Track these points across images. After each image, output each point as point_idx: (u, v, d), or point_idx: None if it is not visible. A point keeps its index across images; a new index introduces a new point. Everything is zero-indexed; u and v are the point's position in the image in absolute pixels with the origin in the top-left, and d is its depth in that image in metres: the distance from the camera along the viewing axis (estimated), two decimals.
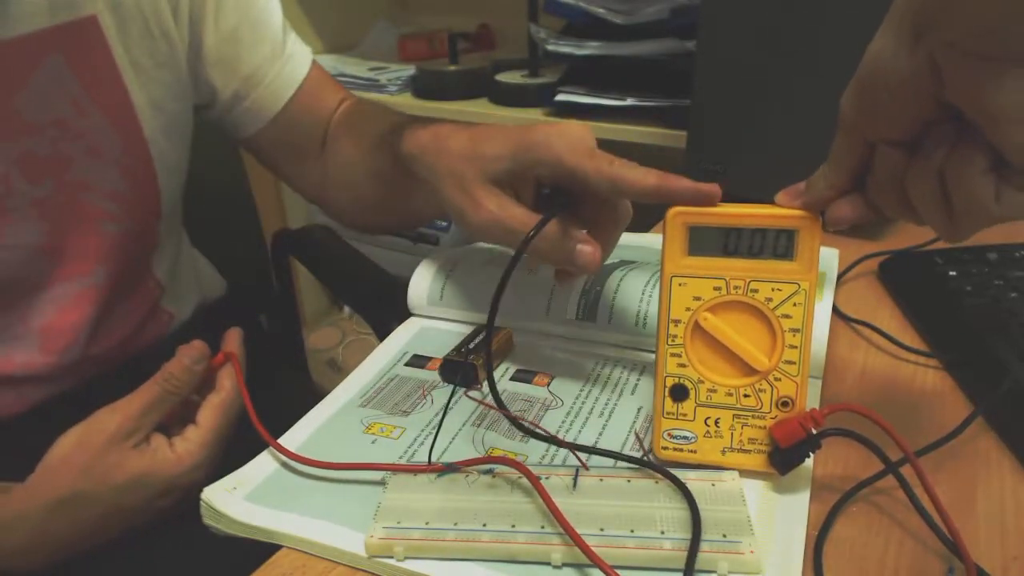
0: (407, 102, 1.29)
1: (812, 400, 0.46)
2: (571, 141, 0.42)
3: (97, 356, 0.61)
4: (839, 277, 0.61)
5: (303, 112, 0.67)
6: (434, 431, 0.44)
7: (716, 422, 0.39)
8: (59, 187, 0.54)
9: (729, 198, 0.38)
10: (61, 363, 0.59)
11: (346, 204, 0.68)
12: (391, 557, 0.35)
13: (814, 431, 0.37)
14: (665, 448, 0.40)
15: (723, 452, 0.40)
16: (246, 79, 0.64)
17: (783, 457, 0.38)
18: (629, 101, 1.04)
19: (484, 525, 0.36)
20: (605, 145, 0.43)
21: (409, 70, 1.33)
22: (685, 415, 0.40)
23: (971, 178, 0.31)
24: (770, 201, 0.38)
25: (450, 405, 0.47)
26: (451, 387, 0.49)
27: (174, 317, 0.69)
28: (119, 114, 0.56)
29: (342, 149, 0.66)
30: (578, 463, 0.40)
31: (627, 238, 0.70)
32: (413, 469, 0.40)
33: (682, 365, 0.39)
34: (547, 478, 0.39)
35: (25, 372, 0.57)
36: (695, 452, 0.40)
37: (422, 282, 0.58)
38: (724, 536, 0.35)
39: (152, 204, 0.61)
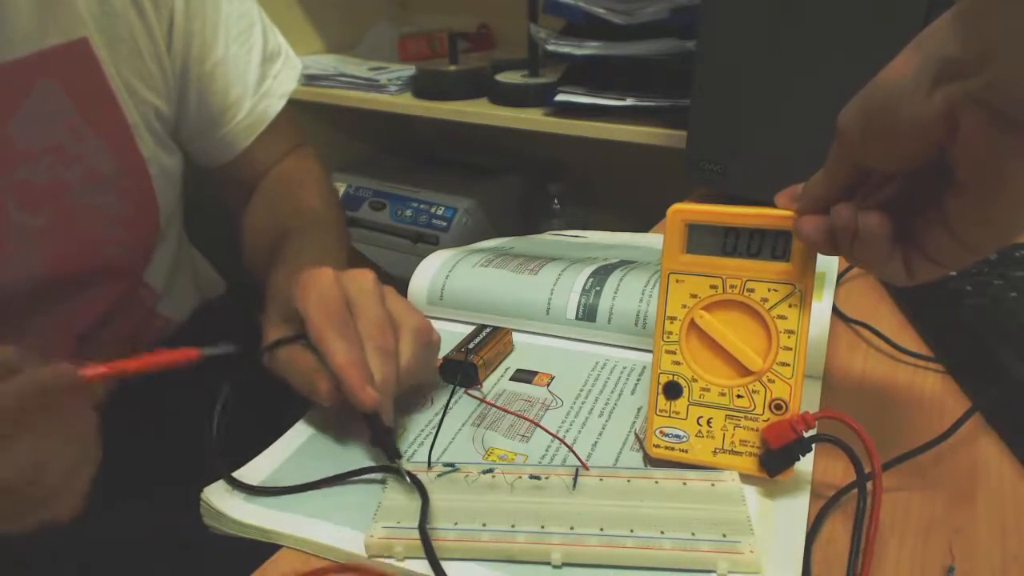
0: (407, 102, 1.29)
1: (811, 398, 0.46)
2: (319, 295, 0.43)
3: None
4: (839, 277, 0.61)
5: (258, 155, 0.68)
6: (434, 431, 0.44)
7: (708, 422, 0.39)
8: (58, 216, 0.53)
9: (729, 199, 0.38)
10: None
11: (245, 255, 0.68)
12: (391, 557, 0.35)
13: (805, 434, 0.37)
14: (657, 446, 0.40)
15: (714, 453, 0.39)
16: (220, 114, 0.64)
17: (773, 458, 0.37)
18: (629, 101, 1.04)
19: (484, 525, 0.36)
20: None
21: (409, 70, 1.33)
22: (678, 413, 0.40)
23: (882, 264, 0.33)
24: (769, 201, 0.38)
25: (450, 405, 0.47)
26: (451, 387, 0.49)
27: (171, 321, 0.69)
28: (116, 136, 0.56)
29: (254, 216, 0.68)
30: (578, 463, 0.40)
31: (627, 238, 0.70)
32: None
33: (676, 362, 0.40)
34: (547, 478, 0.39)
35: None
36: (686, 452, 0.40)
37: (422, 282, 0.58)
38: (724, 536, 0.35)
39: (152, 220, 0.61)
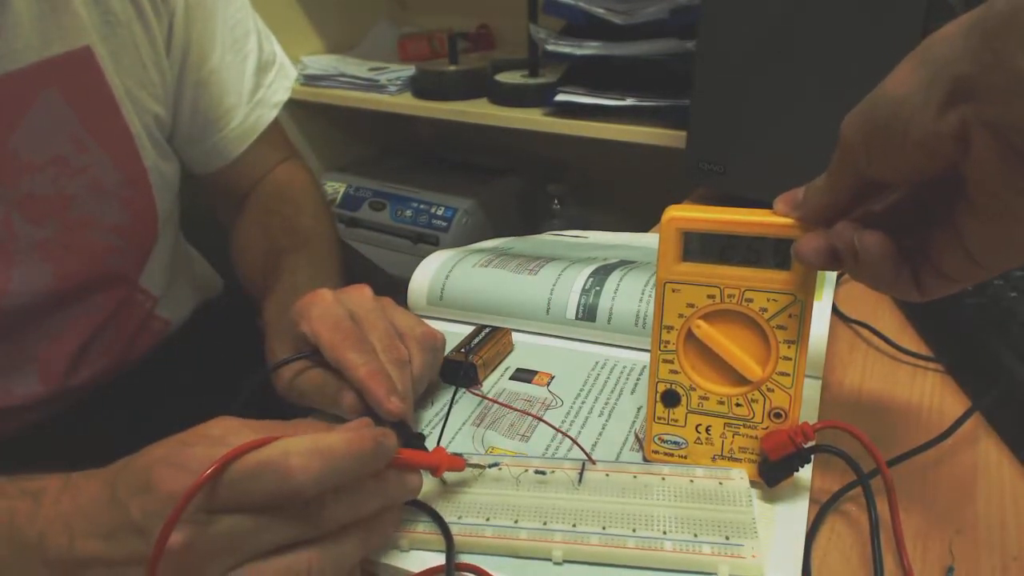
0: (407, 102, 1.29)
1: (811, 399, 0.45)
2: (324, 314, 0.43)
3: (91, 377, 0.60)
4: (839, 276, 0.61)
5: (249, 164, 0.68)
6: (434, 431, 0.44)
7: (707, 429, 0.39)
8: (62, 227, 0.53)
9: (728, 199, 0.37)
10: (59, 388, 0.58)
11: (239, 271, 0.68)
12: (395, 550, 0.35)
13: (804, 445, 0.37)
14: (656, 452, 0.40)
15: (713, 459, 0.39)
16: (213, 121, 0.64)
17: (771, 469, 0.37)
18: (629, 101, 1.04)
19: (487, 520, 0.36)
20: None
21: (409, 70, 1.33)
22: (676, 421, 0.40)
23: (891, 280, 0.32)
24: (769, 202, 0.36)
25: (450, 405, 0.47)
26: (451, 387, 0.49)
27: (170, 323, 0.68)
28: (120, 147, 0.55)
29: (245, 232, 0.67)
30: (584, 457, 0.40)
31: (627, 238, 0.70)
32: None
33: (674, 372, 0.39)
34: (552, 472, 0.39)
35: (25, 402, 0.57)
36: (685, 458, 0.40)
37: (422, 282, 0.58)
38: (727, 538, 0.35)
39: (151, 228, 0.61)
